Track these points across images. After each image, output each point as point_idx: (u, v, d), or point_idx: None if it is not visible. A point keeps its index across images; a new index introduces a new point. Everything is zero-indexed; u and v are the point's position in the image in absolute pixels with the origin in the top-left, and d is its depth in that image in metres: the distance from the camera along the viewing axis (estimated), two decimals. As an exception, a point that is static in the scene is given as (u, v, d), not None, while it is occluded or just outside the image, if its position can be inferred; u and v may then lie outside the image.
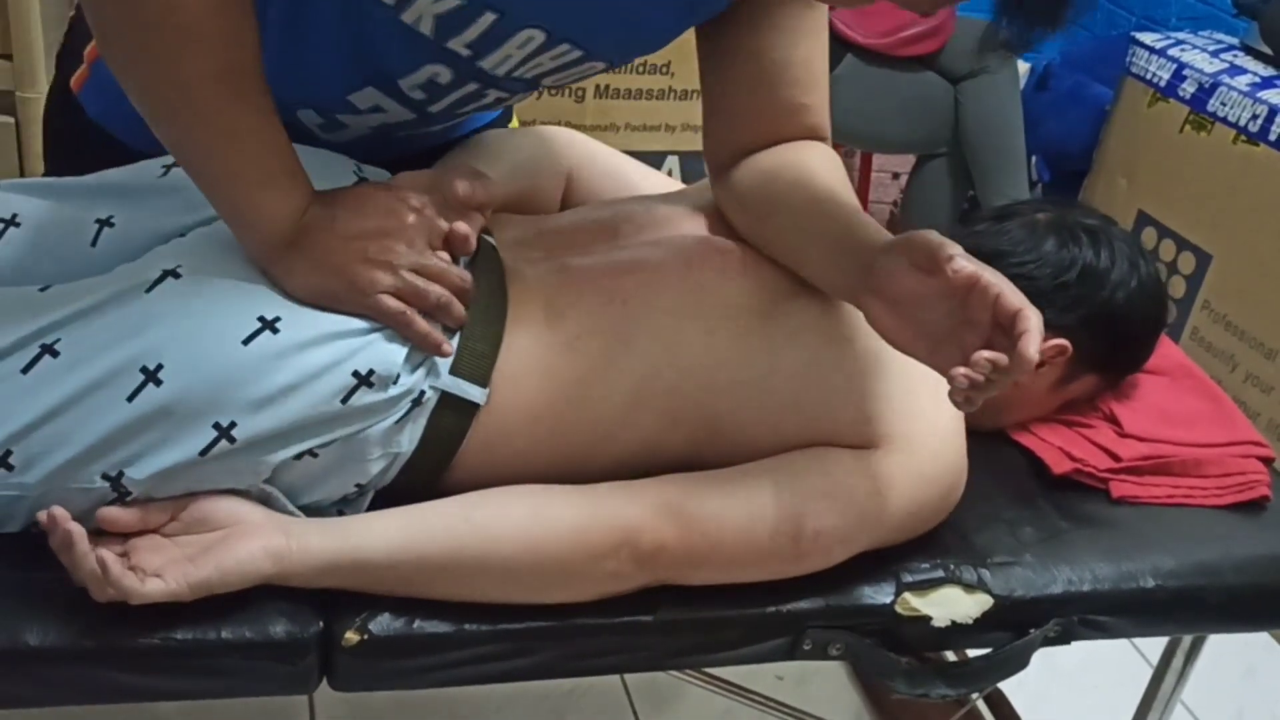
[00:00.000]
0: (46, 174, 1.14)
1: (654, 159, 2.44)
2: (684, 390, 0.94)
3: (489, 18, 0.88)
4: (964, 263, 0.80)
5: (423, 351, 0.88)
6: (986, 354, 0.77)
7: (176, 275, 0.86)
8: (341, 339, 0.85)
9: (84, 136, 1.09)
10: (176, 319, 0.84)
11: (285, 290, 0.87)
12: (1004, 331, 0.79)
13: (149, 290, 0.85)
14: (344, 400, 0.85)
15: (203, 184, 0.87)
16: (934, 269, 0.81)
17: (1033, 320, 0.78)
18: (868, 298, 0.87)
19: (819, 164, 1.00)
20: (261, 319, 0.84)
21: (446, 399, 0.89)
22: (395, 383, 0.86)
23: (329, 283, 0.86)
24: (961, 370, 0.78)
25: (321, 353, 0.84)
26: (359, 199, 0.90)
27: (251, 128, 0.85)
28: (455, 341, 0.90)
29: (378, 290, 0.86)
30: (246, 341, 0.83)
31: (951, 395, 0.80)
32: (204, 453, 0.83)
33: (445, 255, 0.91)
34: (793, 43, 0.99)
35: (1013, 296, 0.79)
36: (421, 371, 0.88)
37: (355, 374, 0.85)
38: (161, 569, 0.81)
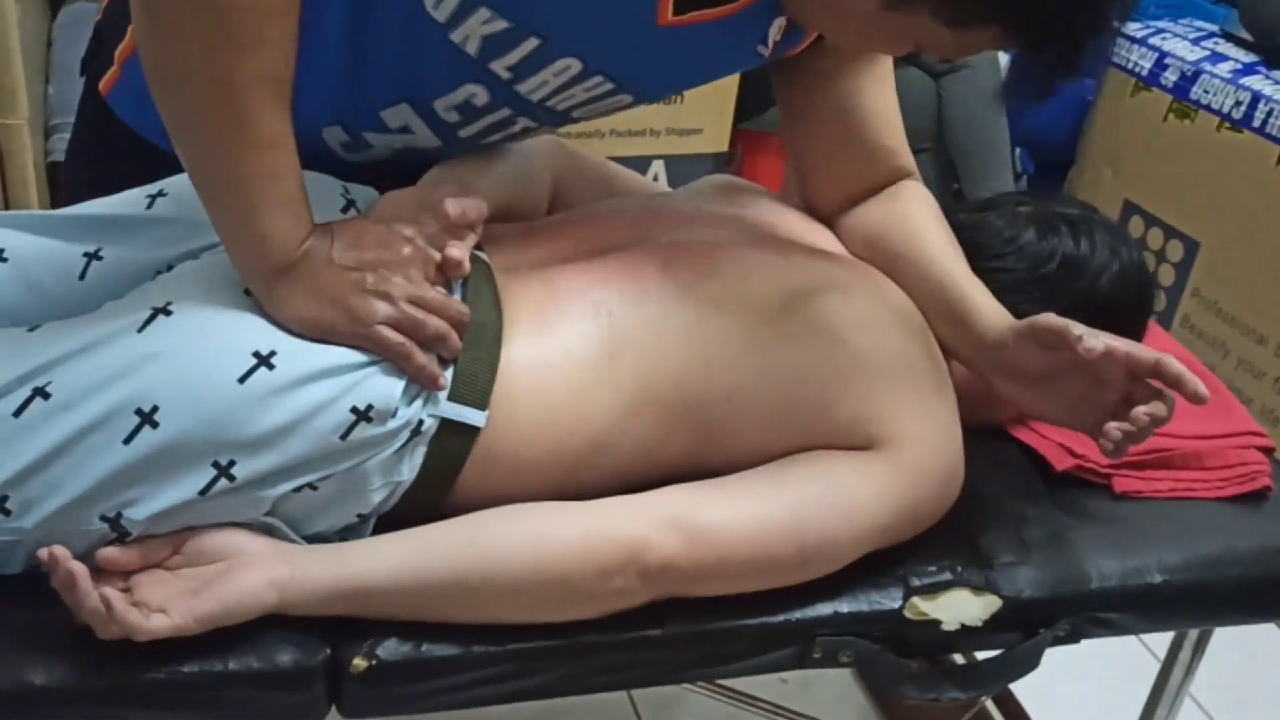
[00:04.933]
0: (75, 188, 1.10)
1: (640, 164, 2.43)
2: (675, 398, 0.94)
3: (532, 42, 0.91)
4: (1092, 341, 0.91)
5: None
6: (1144, 408, 0.92)
7: (168, 313, 0.85)
8: (338, 374, 0.84)
9: (115, 144, 1.07)
10: (170, 358, 0.82)
11: (278, 320, 0.86)
12: (1140, 382, 0.93)
13: (140, 330, 0.84)
14: (343, 436, 0.84)
15: (214, 196, 0.85)
16: (1061, 346, 0.93)
17: (1175, 363, 0.91)
18: (1000, 379, 1.01)
19: (922, 218, 1.09)
20: (257, 354, 0.83)
21: (446, 425, 0.89)
22: (394, 416, 0.85)
23: (326, 314, 0.85)
24: (1114, 424, 0.93)
25: (319, 389, 0.83)
26: (355, 231, 0.89)
27: (278, 141, 0.83)
28: (450, 367, 0.89)
29: (376, 321, 0.85)
30: (243, 379, 0.82)
31: (1102, 445, 0.95)
32: (204, 492, 0.82)
33: (441, 288, 0.90)
34: (876, 91, 1.09)
35: (1143, 352, 0.92)
36: (419, 402, 0.87)
37: (354, 410, 0.84)
38: (165, 604, 0.80)
